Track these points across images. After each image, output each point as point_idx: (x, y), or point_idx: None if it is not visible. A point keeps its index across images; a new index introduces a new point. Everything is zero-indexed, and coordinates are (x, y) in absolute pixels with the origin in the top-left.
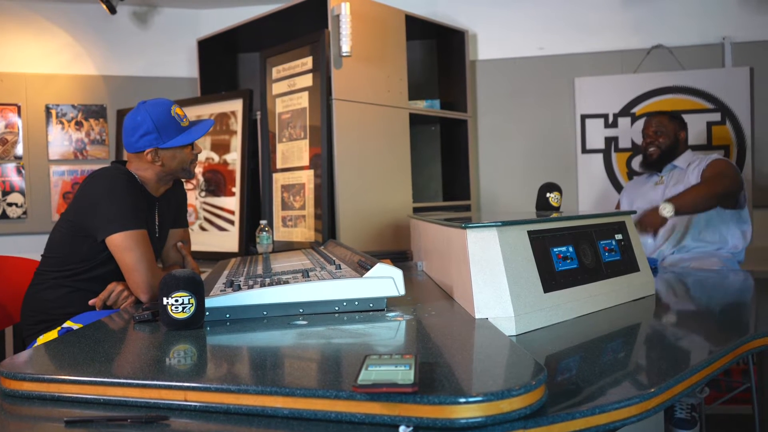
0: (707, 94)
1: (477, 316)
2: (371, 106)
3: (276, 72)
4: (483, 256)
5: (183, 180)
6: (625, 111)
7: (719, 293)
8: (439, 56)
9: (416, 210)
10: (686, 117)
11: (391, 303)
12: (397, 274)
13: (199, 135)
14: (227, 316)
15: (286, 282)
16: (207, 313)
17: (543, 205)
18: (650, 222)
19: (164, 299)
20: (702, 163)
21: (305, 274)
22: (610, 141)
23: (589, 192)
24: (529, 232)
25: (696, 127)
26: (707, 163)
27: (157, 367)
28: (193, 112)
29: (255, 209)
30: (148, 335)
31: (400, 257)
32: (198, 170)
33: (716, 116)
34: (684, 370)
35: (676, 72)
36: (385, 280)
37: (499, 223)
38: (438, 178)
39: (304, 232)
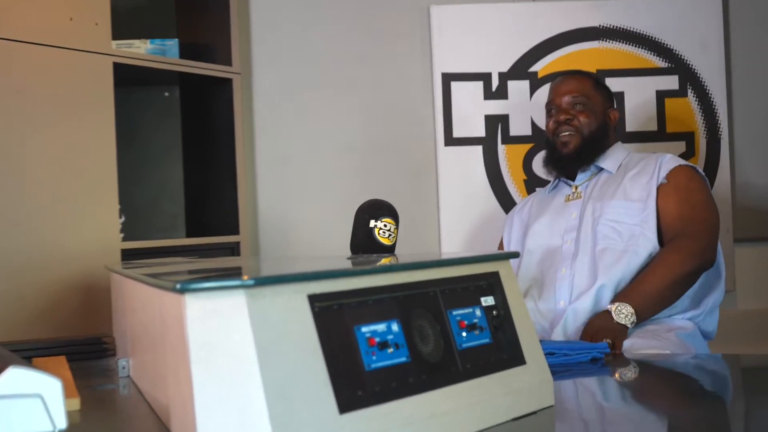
0: (656, 42)
1: None
2: (37, 48)
3: None
4: (217, 345)
5: None
6: (521, 69)
7: (667, 401)
8: None
9: (128, 255)
10: (623, 82)
11: None
12: (49, 388)
13: None
14: None
15: None
16: None
17: (364, 244)
18: (604, 334)
19: None
20: (655, 173)
21: None
22: (496, 123)
23: (457, 215)
24: (312, 298)
25: (639, 99)
26: (666, 173)
27: None
28: None
29: None
30: None
31: (93, 351)
32: None
33: (672, 81)
34: None
35: (605, 2)
36: (23, 402)
37: (251, 282)
38: (178, 192)
39: None
